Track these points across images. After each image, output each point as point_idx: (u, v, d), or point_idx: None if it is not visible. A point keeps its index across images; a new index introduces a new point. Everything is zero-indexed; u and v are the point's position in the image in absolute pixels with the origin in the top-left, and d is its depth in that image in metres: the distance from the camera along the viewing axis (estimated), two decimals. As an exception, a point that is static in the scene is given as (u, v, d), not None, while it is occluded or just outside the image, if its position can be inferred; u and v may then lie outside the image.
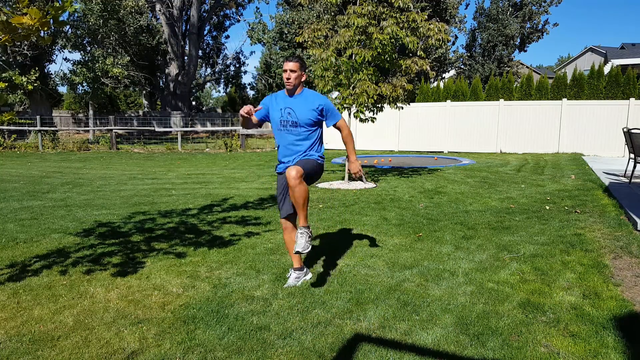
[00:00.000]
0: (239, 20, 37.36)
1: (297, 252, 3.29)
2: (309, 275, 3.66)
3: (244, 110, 3.28)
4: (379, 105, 8.84)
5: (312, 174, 3.44)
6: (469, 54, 30.19)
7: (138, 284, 3.56)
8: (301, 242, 3.29)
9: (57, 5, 2.76)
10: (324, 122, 3.55)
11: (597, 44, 50.87)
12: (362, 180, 3.84)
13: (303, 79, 3.47)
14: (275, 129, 3.53)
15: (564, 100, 15.59)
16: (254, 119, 3.51)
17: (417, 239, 4.84)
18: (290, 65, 3.39)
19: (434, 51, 25.40)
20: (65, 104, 39.35)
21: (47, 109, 23.06)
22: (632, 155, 8.15)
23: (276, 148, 3.61)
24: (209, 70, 41.52)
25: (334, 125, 3.58)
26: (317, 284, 3.54)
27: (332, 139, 17.87)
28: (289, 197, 3.42)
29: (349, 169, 3.81)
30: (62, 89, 33.28)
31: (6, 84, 6.74)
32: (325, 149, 18.54)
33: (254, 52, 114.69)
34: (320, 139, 3.58)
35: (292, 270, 3.60)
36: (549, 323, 2.86)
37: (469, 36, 30.46)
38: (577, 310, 3.02)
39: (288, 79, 3.39)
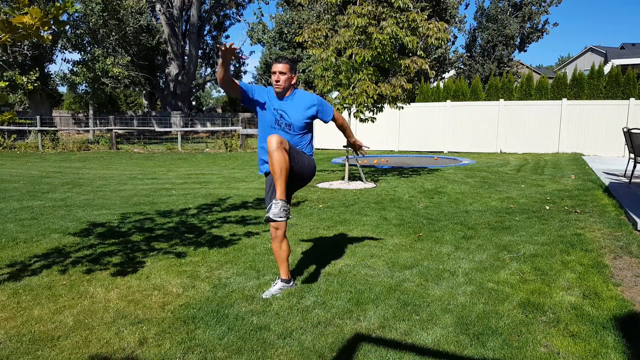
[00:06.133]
0: (239, 20, 37.39)
1: (267, 219, 2.98)
2: (294, 287, 3.47)
3: (228, 44, 2.89)
4: (379, 105, 8.84)
5: (304, 166, 3.23)
6: (468, 54, 30.21)
7: (138, 284, 3.56)
8: (275, 210, 2.97)
9: (58, 5, 2.76)
10: (313, 124, 3.39)
11: (597, 44, 50.89)
12: (364, 152, 3.73)
13: (293, 81, 3.25)
14: (265, 126, 3.31)
15: (564, 100, 15.59)
16: (237, 84, 3.23)
17: (417, 239, 4.84)
18: (279, 67, 3.18)
19: (434, 51, 25.42)
20: (65, 104, 39.35)
21: (47, 109, 23.06)
22: (632, 155, 8.15)
23: (258, 148, 3.40)
24: (209, 70, 41.56)
25: (331, 119, 3.41)
26: (318, 284, 3.54)
27: (331, 139, 17.88)
28: None
29: (354, 145, 3.65)
30: (62, 89, 33.28)
31: (7, 82, 6.74)
32: (325, 149, 18.54)
33: (254, 52, 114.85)
34: (311, 141, 3.42)
35: (279, 279, 3.43)
36: (549, 323, 2.86)
37: (468, 36, 30.49)
38: (577, 310, 3.02)
39: (277, 81, 3.18)
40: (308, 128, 3.36)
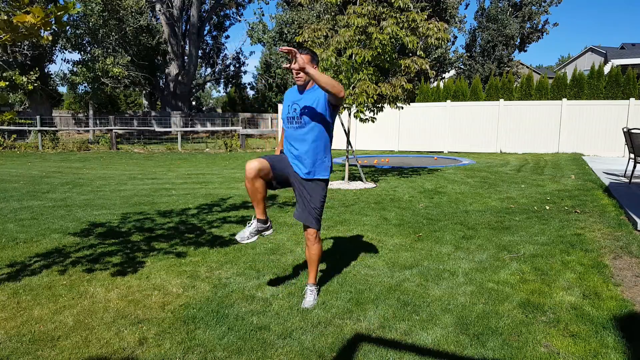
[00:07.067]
0: (239, 20, 37.40)
1: (305, 309, 3.11)
2: (270, 231, 3.33)
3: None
4: (379, 105, 8.84)
5: (323, 202, 3.21)
6: (468, 54, 30.20)
7: (138, 284, 3.56)
8: (309, 299, 3.20)
9: (60, 6, 2.76)
10: (329, 121, 3.12)
11: (597, 44, 50.98)
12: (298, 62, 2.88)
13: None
14: (285, 128, 3.23)
15: (564, 100, 15.59)
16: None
17: (417, 239, 4.84)
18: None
19: (434, 51, 25.42)
20: (65, 104, 39.33)
21: (47, 109, 23.05)
22: (632, 155, 8.15)
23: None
24: (209, 70, 41.58)
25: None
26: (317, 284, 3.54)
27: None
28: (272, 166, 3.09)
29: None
30: (62, 89, 33.29)
31: (7, 82, 6.72)
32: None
33: (254, 52, 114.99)
34: (327, 143, 3.17)
35: (254, 219, 3.22)
36: (549, 323, 2.86)
37: (469, 36, 30.49)
38: (577, 310, 3.03)
39: (298, 73, 3.04)
40: (322, 122, 3.10)
